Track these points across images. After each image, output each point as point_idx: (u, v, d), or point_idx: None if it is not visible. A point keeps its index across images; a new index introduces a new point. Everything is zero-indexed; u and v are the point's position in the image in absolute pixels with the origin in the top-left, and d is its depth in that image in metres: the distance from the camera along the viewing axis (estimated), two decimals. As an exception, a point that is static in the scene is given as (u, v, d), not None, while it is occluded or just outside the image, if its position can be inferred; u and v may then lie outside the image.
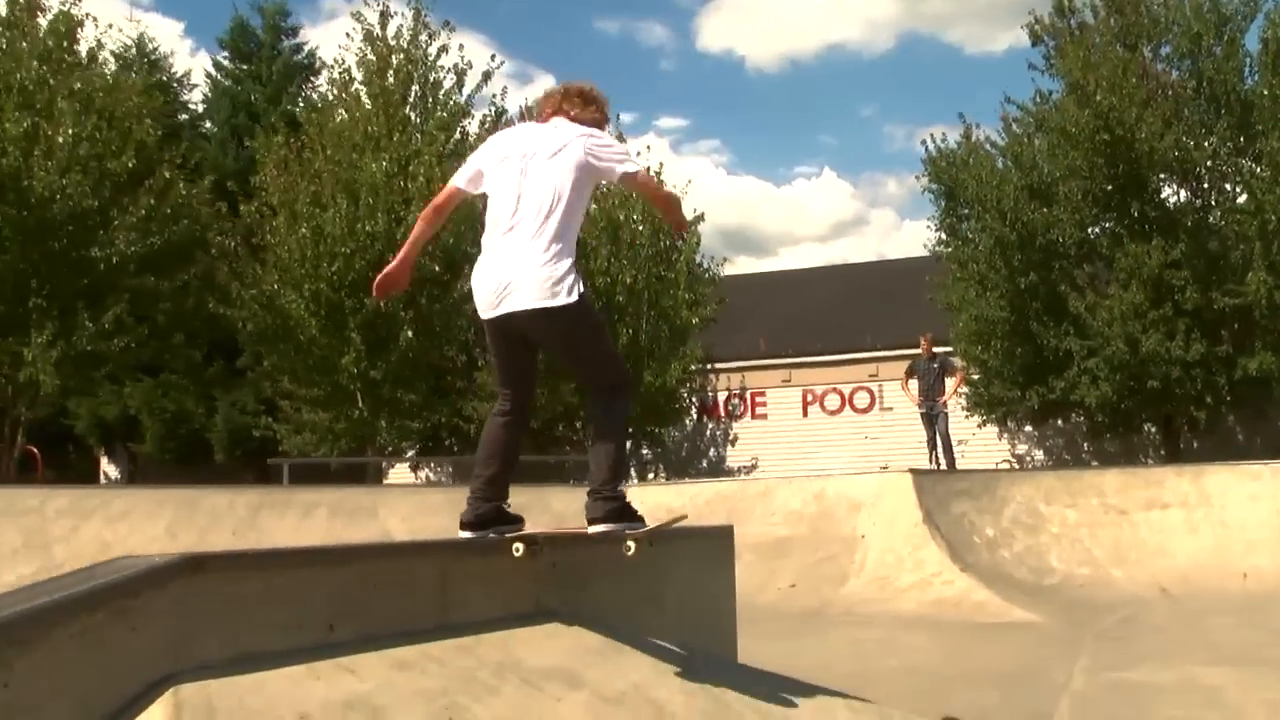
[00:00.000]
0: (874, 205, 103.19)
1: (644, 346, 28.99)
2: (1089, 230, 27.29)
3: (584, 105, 5.71)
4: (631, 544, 5.42)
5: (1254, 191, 24.86)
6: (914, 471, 14.77)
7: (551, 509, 15.18)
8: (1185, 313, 25.08)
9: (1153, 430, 28.41)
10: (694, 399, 32.94)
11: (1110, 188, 26.27)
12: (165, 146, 28.10)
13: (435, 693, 4.31)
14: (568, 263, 5.23)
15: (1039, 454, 31.00)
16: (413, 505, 15.81)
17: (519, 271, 5.21)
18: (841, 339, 32.72)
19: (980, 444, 28.96)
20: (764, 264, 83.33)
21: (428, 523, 14.15)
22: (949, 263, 28.64)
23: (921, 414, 20.04)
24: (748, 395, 33.79)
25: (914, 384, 20.18)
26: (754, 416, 33.82)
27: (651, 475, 32.58)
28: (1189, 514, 14.80)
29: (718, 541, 7.80)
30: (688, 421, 33.52)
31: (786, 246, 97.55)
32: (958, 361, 24.51)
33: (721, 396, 33.98)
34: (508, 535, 5.58)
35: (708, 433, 34.24)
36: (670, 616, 6.69)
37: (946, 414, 19.77)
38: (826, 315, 34.53)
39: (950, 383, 20.07)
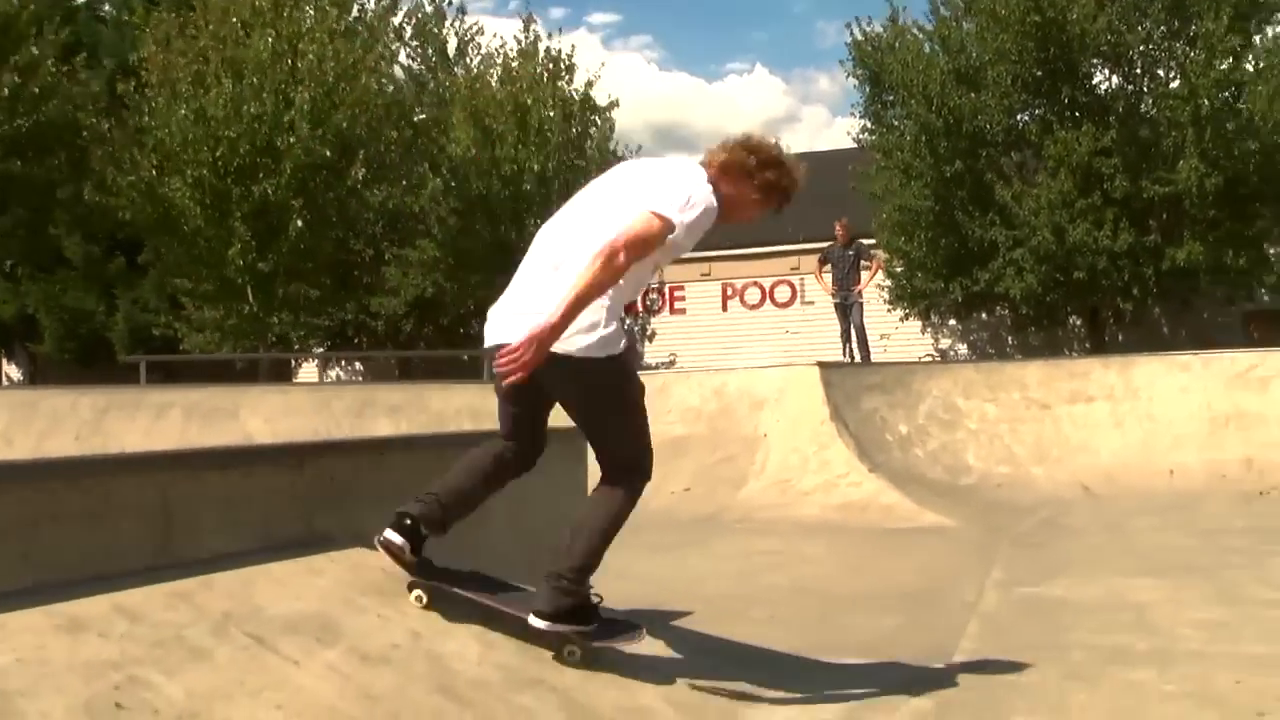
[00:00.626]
0: (806, 102, 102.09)
1: (554, 238, 27.96)
2: (1017, 117, 26.48)
3: (733, 170, 4.64)
4: (576, 650, 4.40)
5: (1188, 75, 23.99)
6: (821, 365, 13.74)
7: (430, 408, 14.16)
8: (1114, 202, 24.37)
9: (1078, 323, 27.89)
10: (610, 293, 31.94)
11: (1040, 73, 25.34)
12: (37, 23, 26.21)
13: (106, 664, 3.19)
14: (603, 312, 4.25)
15: (963, 348, 30.40)
16: (277, 405, 14.64)
17: (538, 307, 4.20)
18: (762, 231, 31.46)
19: (903, 338, 28.27)
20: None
21: (295, 424, 13.06)
22: (873, 151, 27.75)
23: (835, 304, 18.97)
24: (666, 289, 32.79)
25: (828, 273, 19.12)
26: (672, 311, 32.94)
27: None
28: (1115, 407, 13.94)
29: (568, 445, 6.64)
30: (605, 317, 32.49)
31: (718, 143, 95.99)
32: (877, 251, 23.53)
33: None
34: (413, 581, 4.47)
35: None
36: (500, 538, 5.60)
37: (862, 304, 18.65)
38: (748, 207, 33.43)
39: (866, 272, 18.92)
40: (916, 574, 8.58)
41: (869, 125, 28.08)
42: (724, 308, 32.53)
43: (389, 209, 28.84)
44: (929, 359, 27.75)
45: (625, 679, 4.40)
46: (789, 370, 14.09)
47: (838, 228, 18.90)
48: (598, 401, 4.46)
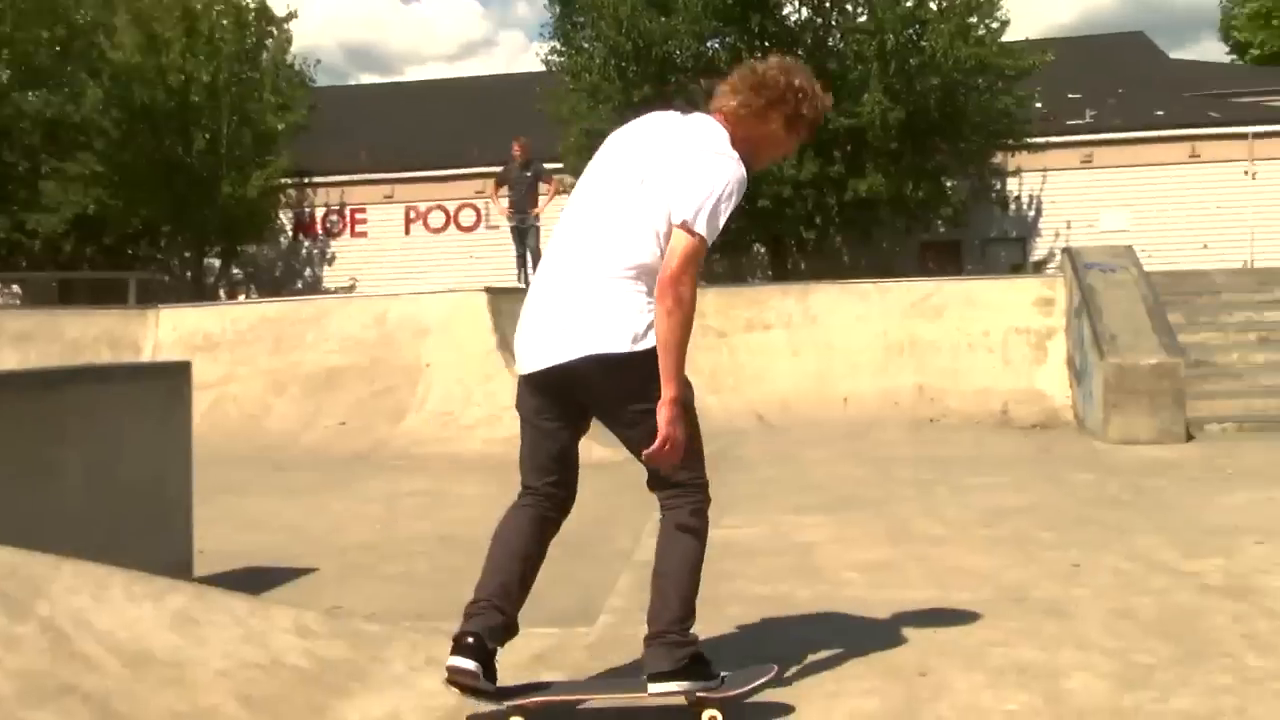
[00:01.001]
0: (503, 26, 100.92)
1: (223, 154, 26.47)
2: (708, 43, 26.14)
3: (746, 117, 4.04)
4: (718, 715, 3.80)
5: (875, 11, 24.28)
6: (489, 291, 12.99)
7: (64, 336, 12.94)
8: (800, 132, 24.28)
9: (761, 251, 27.95)
10: (287, 214, 30.77)
11: (731, 1, 24.98)
12: None
13: None
14: (642, 297, 3.80)
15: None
16: None
17: (577, 309, 3.81)
18: (447, 154, 30.83)
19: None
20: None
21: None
22: (562, 74, 27.05)
23: (512, 227, 18.31)
24: (347, 212, 31.61)
25: (505, 195, 18.37)
26: (354, 234, 31.78)
27: (243, 297, 30.11)
28: (792, 335, 13.74)
29: (164, 383, 5.71)
30: (282, 239, 31.41)
31: (413, 65, 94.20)
32: (563, 175, 22.97)
33: (319, 213, 31.64)
34: (512, 707, 3.82)
35: (304, 251, 32.00)
36: (75, 497, 4.65)
37: (538, 228, 17.97)
38: (434, 130, 32.66)
39: (544, 196, 18.20)
40: (574, 518, 7.90)
41: (558, 47, 27.36)
42: (406, 231, 31.42)
43: (46, 118, 26.74)
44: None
45: (186, 673, 3.58)
46: (455, 296, 13.30)
47: (515, 147, 18.18)
48: (649, 405, 3.78)
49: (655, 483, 4.03)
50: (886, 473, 9.57)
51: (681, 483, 4.01)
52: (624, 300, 3.77)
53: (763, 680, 4.01)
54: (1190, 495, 8.46)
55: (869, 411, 12.88)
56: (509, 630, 3.93)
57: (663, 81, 25.33)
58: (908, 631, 4.79)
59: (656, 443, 3.75)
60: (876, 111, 23.64)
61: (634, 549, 6.68)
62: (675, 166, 3.84)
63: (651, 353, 3.73)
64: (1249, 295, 15.03)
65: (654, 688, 3.81)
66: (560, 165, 25.19)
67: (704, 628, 4.87)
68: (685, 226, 3.73)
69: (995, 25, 24.90)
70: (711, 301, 14.08)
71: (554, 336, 3.82)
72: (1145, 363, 11.91)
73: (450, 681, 3.74)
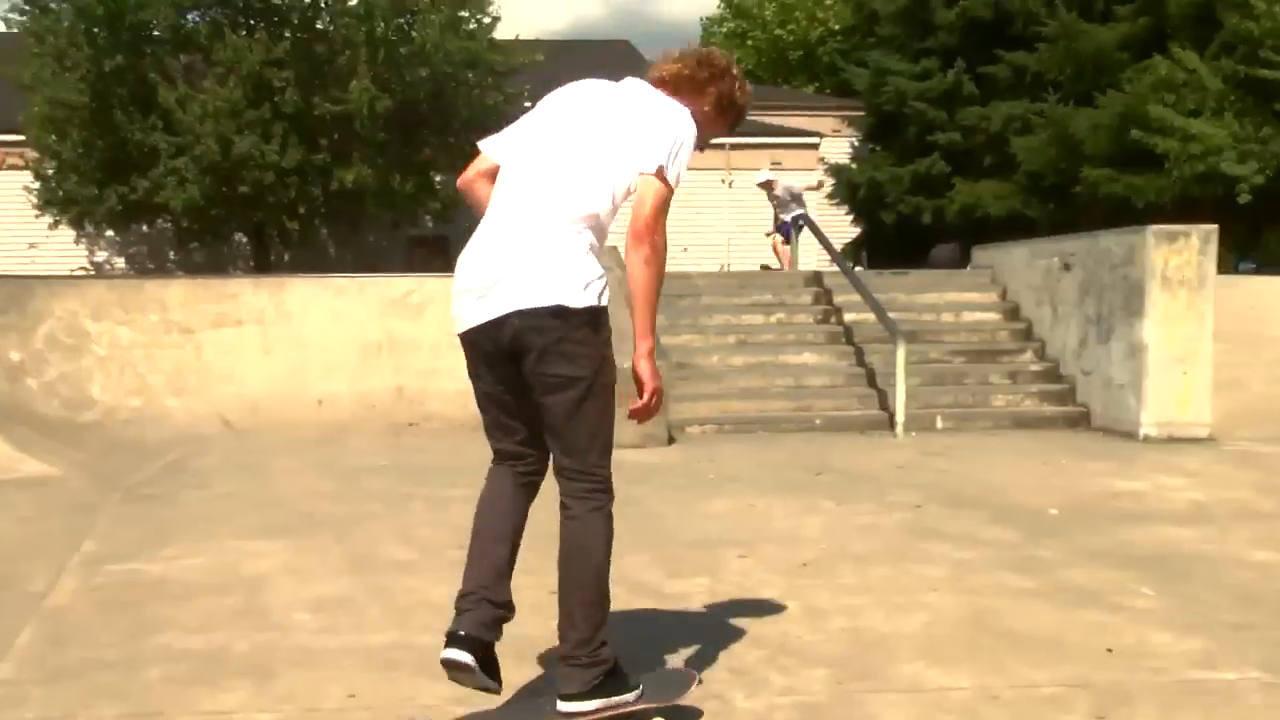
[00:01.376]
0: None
1: None
2: (187, 16, 24.98)
3: (685, 87, 4.01)
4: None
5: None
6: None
7: None
8: (284, 116, 23.74)
9: (244, 240, 26.81)
10: None
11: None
12: None
13: None
14: (581, 241, 3.64)
15: (121, 262, 28.38)
16: None
17: (511, 262, 3.59)
18: None
19: (55, 249, 26.00)
20: None
21: None
22: (26, 36, 24.98)
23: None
24: None
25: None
26: None
27: None
28: (265, 332, 12.82)
29: None
30: None
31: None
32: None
33: None
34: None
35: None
36: None
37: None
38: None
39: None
40: (-10, 551, 6.77)
41: (21, 4, 25.19)
42: None
43: None
44: (81, 273, 25.49)
45: None
46: None
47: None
48: (576, 371, 3.63)
49: (560, 469, 3.77)
50: (357, 485, 8.92)
51: (591, 471, 3.72)
52: (563, 252, 3.59)
53: (687, 690, 3.90)
54: (673, 504, 8.26)
55: (344, 415, 12.22)
56: (502, 619, 3.77)
57: (138, 54, 23.89)
58: (355, 690, 4.19)
59: (645, 397, 3.71)
60: (364, 99, 23.43)
61: (49, 591, 5.68)
62: (634, 119, 3.78)
63: (587, 312, 3.58)
64: (728, 298, 15.34)
65: (563, 706, 3.65)
66: (23, 137, 23.46)
67: (142, 699, 4.09)
68: (660, 174, 3.66)
69: (486, 21, 25.15)
70: (176, 294, 12.94)
71: (487, 291, 3.61)
72: (628, 365, 11.79)
73: (451, 679, 3.74)
